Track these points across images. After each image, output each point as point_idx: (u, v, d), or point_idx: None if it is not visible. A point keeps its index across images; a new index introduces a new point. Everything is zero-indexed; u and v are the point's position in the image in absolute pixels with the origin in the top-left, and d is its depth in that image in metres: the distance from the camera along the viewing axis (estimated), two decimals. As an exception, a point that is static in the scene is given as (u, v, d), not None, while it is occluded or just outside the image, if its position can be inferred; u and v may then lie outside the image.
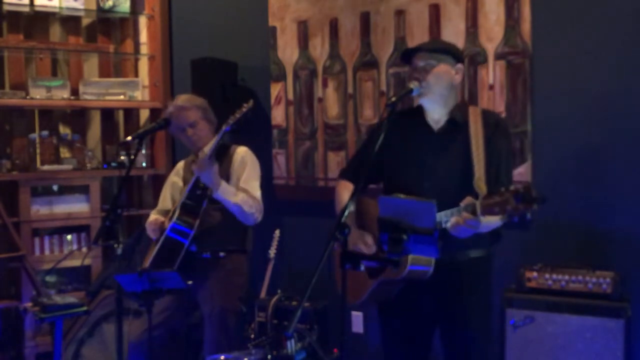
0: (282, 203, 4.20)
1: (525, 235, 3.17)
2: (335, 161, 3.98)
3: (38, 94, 4.30)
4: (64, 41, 4.61)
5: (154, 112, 4.66)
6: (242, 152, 3.41)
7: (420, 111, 2.60)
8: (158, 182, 4.56)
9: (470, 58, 3.43)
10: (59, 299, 3.44)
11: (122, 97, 4.54)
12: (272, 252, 3.86)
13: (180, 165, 3.58)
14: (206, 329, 3.32)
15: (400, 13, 3.73)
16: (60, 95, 4.37)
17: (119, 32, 4.78)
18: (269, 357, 3.18)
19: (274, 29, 4.22)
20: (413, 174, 2.54)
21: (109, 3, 4.57)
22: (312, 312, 3.55)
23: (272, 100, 4.24)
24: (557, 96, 3.28)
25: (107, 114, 4.73)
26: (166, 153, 4.63)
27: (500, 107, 3.40)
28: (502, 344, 3.04)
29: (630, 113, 3.11)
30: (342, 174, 2.83)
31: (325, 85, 4.03)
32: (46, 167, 4.27)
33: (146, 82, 4.70)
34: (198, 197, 3.25)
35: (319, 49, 4.04)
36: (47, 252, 4.26)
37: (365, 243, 2.52)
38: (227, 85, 4.13)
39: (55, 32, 4.61)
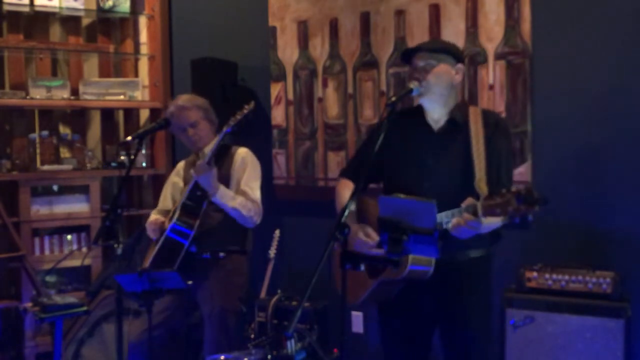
0: (282, 203, 4.20)
1: (525, 235, 3.17)
2: (335, 161, 3.98)
3: (38, 94, 4.30)
4: (64, 41, 4.61)
5: (154, 112, 4.66)
6: (242, 153, 3.41)
7: (420, 111, 2.60)
8: (158, 182, 4.56)
9: (470, 58, 3.43)
10: (59, 299, 3.44)
11: (122, 97, 4.54)
12: (272, 252, 3.86)
13: (181, 165, 3.58)
14: (206, 329, 3.32)
15: (400, 13, 3.73)
16: (60, 95, 4.37)
17: (119, 32, 4.78)
18: (269, 357, 3.18)
19: (274, 29, 4.22)
20: (413, 173, 2.54)
21: (109, 3, 4.57)
22: (312, 312, 3.55)
23: (272, 100, 4.24)
24: (557, 96, 3.28)
25: (107, 114, 4.73)
26: (166, 153, 4.63)
27: (500, 107, 3.40)
28: (502, 344, 3.04)
29: (630, 113, 3.11)
30: (342, 173, 2.83)
31: (325, 85, 4.03)
32: (46, 167, 4.27)
33: (146, 82, 4.70)
34: (198, 198, 3.25)
35: (319, 49, 4.04)
36: (47, 252, 4.26)
37: (366, 234, 2.49)
38: (227, 85, 4.13)
39: (55, 32, 4.61)
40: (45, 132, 4.34)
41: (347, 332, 3.81)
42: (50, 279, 4.28)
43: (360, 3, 3.86)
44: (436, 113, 2.57)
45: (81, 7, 4.48)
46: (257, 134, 4.14)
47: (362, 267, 2.16)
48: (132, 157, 3.25)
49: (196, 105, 3.37)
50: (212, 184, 3.16)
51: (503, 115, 3.34)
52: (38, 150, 4.31)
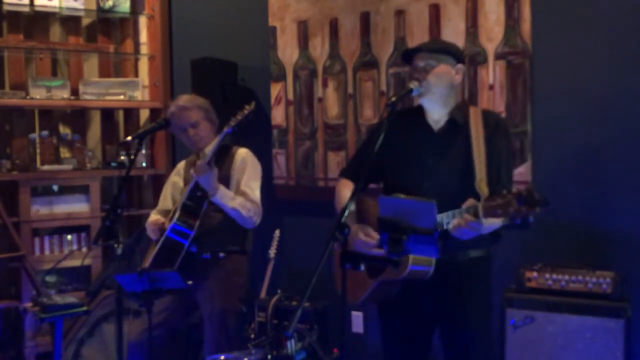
0: (282, 203, 4.20)
1: (525, 235, 3.17)
2: (335, 161, 3.98)
3: (38, 94, 4.30)
4: (64, 41, 4.61)
5: (154, 112, 4.66)
6: (242, 154, 3.41)
7: (420, 111, 2.60)
8: (158, 182, 4.56)
9: (470, 58, 3.43)
10: (59, 299, 3.44)
11: (122, 97, 4.55)
12: (272, 252, 3.86)
13: (182, 165, 3.58)
14: (206, 329, 3.32)
15: (400, 13, 3.73)
16: (60, 95, 4.37)
17: (119, 32, 4.78)
18: (269, 357, 3.18)
19: (274, 29, 4.22)
20: (413, 174, 2.54)
21: (109, 3, 4.57)
22: (312, 312, 3.55)
23: (272, 100, 4.24)
24: (557, 96, 3.28)
25: (107, 114, 4.73)
26: (166, 153, 4.64)
27: (500, 107, 3.40)
28: (502, 344, 3.04)
29: (630, 113, 3.11)
30: (342, 173, 2.83)
31: (325, 85, 4.03)
32: (46, 167, 4.28)
33: (146, 82, 4.70)
34: (198, 198, 3.25)
35: (319, 49, 4.04)
36: (47, 252, 4.26)
37: (367, 234, 2.49)
38: (227, 85, 4.13)
39: (55, 32, 4.61)
40: (45, 132, 4.34)
41: (347, 332, 3.81)
42: (50, 279, 4.28)
43: (360, 3, 3.86)
44: (436, 113, 2.57)
45: (81, 7, 4.49)
46: (257, 134, 4.14)
47: (362, 267, 2.15)
48: (132, 157, 3.25)
49: (197, 106, 3.37)
50: (212, 184, 3.16)
51: (503, 115, 3.34)
52: (38, 150, 4.31)
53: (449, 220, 2.27)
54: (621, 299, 2.90)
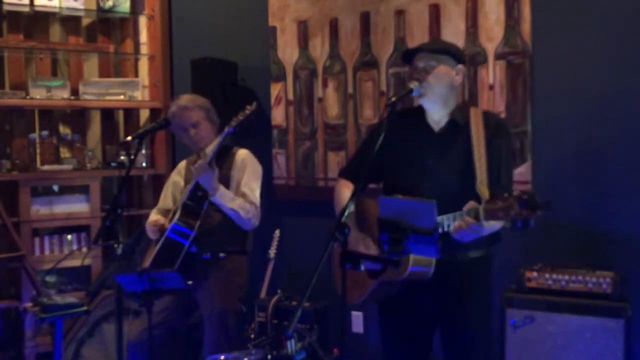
0: (282, 203, 4.20)
1: (525, 235, 3.15)
2: (335, 161, 3.98)
3: (38, 94, 4.30)
4: (64, 41, 4.61)
5: (154, 112, 4.66)
6: (242, 155, 3.41)
7: (420, 111, 2.60)
8: (158, 182, 4.56)
9: (470, 58, 3.43)
10: (59, 299, 3.44)
11: (122, 97, 4.54)
12: (272, 252, 3.86)
13: (182, 164, 3.58)
14: (206, 329, 3.32)
15: (400, 13, 3.73)
16: (60, 95, 4.37)
17: (119, 32, 4.78)
18: (269, 357, 3.18)
19: (274, 29, 4.22)
20: (413, 174, 2.54)
21: (109, 3, 4.57)
22: (312, 312, 3.55)
23: (272, 100, 4.24)
24: (557, 96, 3.28)
25: (107, 114, 4.73)
26: (166, 153, 4.63)
27: (500, 107, 3.40)
28: (502, 344, 3.04)
29: (630, 113, 3.11)
30: (341, 173, 2.83)
31: (325, 85, 4.03)
32: (46, 167, 4.27)
33: (146, 82, 4.70)
34: (199, 198, 3.25)
35: (319, 49, 4.04)
36: (47, 252, 4.26)
37: (366, 247, 2.51)
38: (227, 85, 4.13)
39: (55, 32, 4.61)
40: (45, 132, 4.34)
41: (347, 332, 3.80)
42: (50, 279, 4.28)
43: (360, 3, 3.86)
44: (436, 114, 2.57)
45: (81, 7, 4.48)
46: (257, 134, 4.14)
47: (362, 267, 2.15)
48: (132, 157, 3.25)
49: (198, 106, 3.37)
50: (212, 184, 3.17)
51: (503, 115, 3.35)
52: (38, 150, 4.31)
53: (450, 223, 2.27)
54: (621, 299, 2.90)
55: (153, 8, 4.63)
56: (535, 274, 3.05)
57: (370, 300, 2.64)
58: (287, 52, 4.17)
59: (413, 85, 2.46)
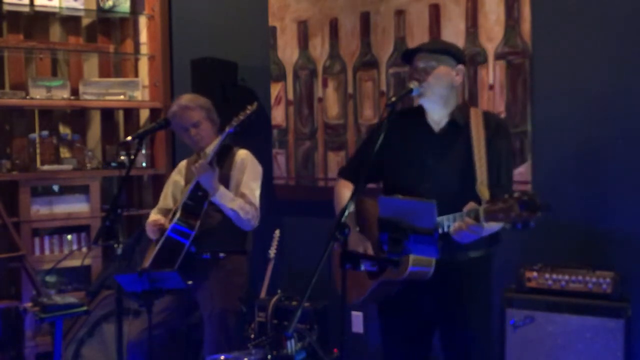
0: (282, 203, 4.20)
1: (525, 235, 3.14)
2: (335, 161, 3.98)
3: (38, 94, 4.30)
4: (64, 41, 4.61)
5: (154, 112, 4.66)
6: (242, 155, 3.41)
7: (421, 111, 2.60)
8: (158, 182, 4.56)
9: (470, 58, 3.43)
10: (59, 299, 3.44)
11: (122, 97, 4.54)
12: (272, 252, 3.86)
13: (183, 164, 3.58)
14: (206, 330, 3.32)
15: (400, 13, 3.73)
16: (60, 95, 4.37)
17: (119, 32, 4.78)
18: (269, 357, 3.18)
19: (274, 29, 4.22)
20: (413, 174, 2.53)
21: (109, 3, 4.57)
22: (312, 312, 3.55)
23: (272, 100, 4.24)
24: (557, 96, 3.28)
25: (107, 114, 4.73)
26: (166, 153, 4.63)
27: (500, 107, 3.40)
28: (502, 344, 3.04)
29: (630, 113, 3.11)
30: (341, 173, 2.82)
31: (325, 85, 4.03)
32: (46, 167, 4.27)
33: (146, 82, 4.70)
34: (199, 198, 3.25)
35: (319, 49, 4.04)
36: (47, 252, 4.26)
37: (365, 250, 2.52)
38: (227, 85, 4.13)
39: (55, 32, 4.61)
40: (45, 132, 4.34)
41: (347, 332, 3.80)
42: (50, 279, 4.28)
43: (360, 3, 3.86)
44: (436, 114, 2.57)
45: (81, 7, 4.48)
46: (257, 134, 4.14)
47: (362, 267, 2.15)
48: (132, 157, 3.25)
49: (199, 105, 3.37)
50: (212, 184, 3.17)
51: (503, 115, 3.35)
52: (38, 150, 4.31)
53: (450, 223, 2.27)
54: (621, 299, 2.90)
55: (153, 8, 4.63)
56: (535, 274, 3.05)
57: (370, 300, 2.64)
58: (287, 52, 4.17)
59: (413, 85, 2.46)
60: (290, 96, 4.17)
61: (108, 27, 4.74)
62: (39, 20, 4.48)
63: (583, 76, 3.21)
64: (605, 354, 2.85)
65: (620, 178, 3.13)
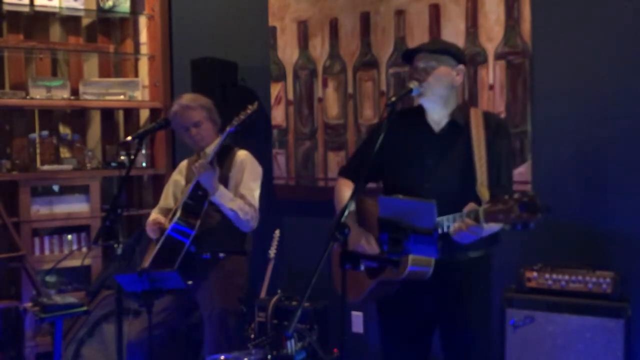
0: (282, 203, 4.20)
1: (525, 235, 3.14)
2: (335, 161, 3.98)
3: (38, 94, 4.30)
4: (64, 41, 4.61)
5: (154, 112, 4.67)
6: (242, 156, 3.41)
7: (420, 111, 2.60)
8: (158, 182, 4.56)
9: (470, 58, 3.43)
10: (59, 299, 3.44)
11: (122, 97, 4.55)
12: (272, 252, 3.86)
13: (184, 164, 3.58)
14: (206, 330, 3.32)
15: (400, 13, 3.73)
16: (60, 95, 4.37)
17: (119, 32, 4.78)
18: (269, 357, 3.18)
19: (274, 29, 4.22)
20: (413, 174, 2.53)
21: (109, 3, 4.57)
22: (312, 312, 3.55)
23: (272, 100, 4.24)
24: (557, 96, 3.28)
25: (107, 114, 4.73)
26: (166, 153, 4.64)
27: (500, 107, 3.40)
28: (502, 344, 3.04)
29: (630, 113, 3.11)
30: (341, 172, 2.82)
31: (325, 85, 4.03)
32: (46, 167, 4.27)
33: (146, 82, 4.70)
34: (199, 197, 3.25)
35: (319, 49, 4.04)
36: (47, 252, 4.26)
37: (368, 242, 2.51)
38: (227, 85, 4.13)
39: (55, 32, 4.61)
40: (45, 132, 4.34)
41: (347, 332, 3.80)
42: (50, 279, 4.28)
43: (360, 3, 3.86)
44: (436, 114, 2.56)
45: (81, 7, 4.49)
46: (257, 134, 4.14)
47: (362, 267, 2.15)
48: (132, 157, 3.25)
49: (200, 105, 3.37)
50: (212, 184, 3.17)
51: (503, 115, 3.35)
52: (38, 150, 4.31)
53: (450, 224, 2.27)
54: (621, 299, 2.90)
55: (153, 8, 4.64)
56: (535, 274, 3.05)
57: (370, 299, 2.64)
58: (287, 52, 4.17)
59: (413, 85, 2.46)
60: (290, 96, 4.17)
61: (108, 27, 4.74)
62: (39, 20, 4.49)
63: (583, 76, 3.21)
64: (605, 354, 2.85)
65: (620, 178, 3.13)
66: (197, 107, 3.36)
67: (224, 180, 3.31)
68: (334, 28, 3.98)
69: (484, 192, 2.33)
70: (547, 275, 3.03)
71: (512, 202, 2.04)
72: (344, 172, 2.80)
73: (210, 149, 3.28)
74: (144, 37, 4.73)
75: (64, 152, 4.40)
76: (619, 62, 3.13)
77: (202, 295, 3.32)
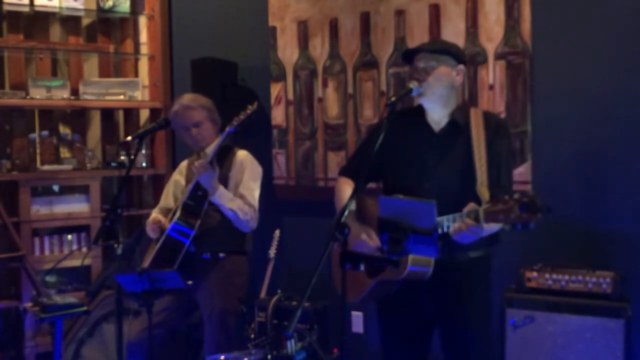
0: (282, 203, 4.20)
1: (525, 235, 3.14)
2: (335, 161, 3.98)
3: (38, 94, 4.30)
4: (64, 41, 4.61)
5: (154, 112, 4.67)
6: (241, 156, 3.41)
7: (420, 111, 2.60)
8: (158, 182, 4.57)
9: (470, 58, 3.43)
10: (59, 299, 3.44)
11: (122, 97, 4.55)
12: (272, 252, 3.86)
13: (184, 164, 3.58)
14: (206, 330, 3.32)
15: (400, 13, 3.73)
16: (60, 95, 4.37)
17: (119, 32, 4.78)
18: (269, 357, 3.18)
19: (274, 29, 4.22)
20: (413, 174, 2.53)
21: (109, 3, 4.57)
22: (312, 312, 3.55)
23: (272, 100, 4.24)
24: (557, 96, 3.28)
25: (107, 114, 4.73)
26: (166, 153, 4.64)
27: (500, 107, 3.40)
28: (502, 344, 3.04)
29: (630, 113, 3.11)
30: (341, 172, 2.82)
31: (325, 85, 4.03)
32: (46, 167, 4.28)
33: (146, 82, 4.70)
34: (199, 197, 3.25)
35: (319, 49, 4.04)
36: (47, 252, 4.26)
37: (369, 236, 2.49)
38: (227, 85, 4.13)
39: (55, 32, 4.61)
40: (45, 132, 4.34)
41: (347, 332, 3.80)
42: (50, 279, 4.28)
43: (360, 3, 3.86)
44: (436, 114, 2.56)
45: (81, 7, 4.49)
46: (257, 134, 4.14)
47: (362, 268, 2.15)
48: (132, 157, 3.25)
49: (201, 105, 3.37)
50: (212, 184, 3.17)
51: (503, 115, 3.35)
52: (38, 150, 4.31)
53: (450, 224, 2.27)
54: (621, 299, 2.90)
55: (153, 8, 4.64)
56: (535, 274, 3.05)
57: (369, 298, 2.64)
58: (287, 52, 4.17)
59: (413, 84, 2.46)
60: (290, 96, 4.17)
61: (108, 27, 4.74)
62: (39, 20, 4.49)
63: (583, 76, 3.21)
64: (605, 354, 2.85)
65: (620, 178, 3.13)
66: (198, 107, 3.36)
67: (224, 180, 3.31)
68: (334, 28, 3.98)
69: (484, 192, 2.32)
70: (547, 275, 3.03)
71: (513, 203, 2.04)
72: (344, 172, 2.80)
73: (210, 149, 3.29)
74: (144, 37, 4.73)
75: (64, 152, 4.40)
76: (619, 62, 3.13)
77: (202, 295, 3.32)
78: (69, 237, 4.33)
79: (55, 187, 4.38)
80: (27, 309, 3.69)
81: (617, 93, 3.13)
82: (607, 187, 3.17)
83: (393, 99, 2.36)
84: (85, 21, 4.70)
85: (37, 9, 4.34)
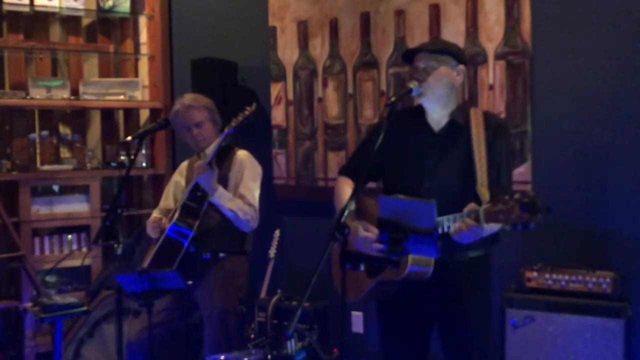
0: (282, 203, 4.20)
1: (525, 235, 3.15)
2: (335, 161, 3.98)
3: (38, 94, 4.30)
4: (64, 41, 4.61)
5: (154, 112, 4.66)
6: (241, 156, 3.41)
7: (420, 111, 2.60)
8: (158, 182, 4.57)
9: (470, 58, 3.43)
10: (59, 299, 3.44)
11: (122, 97, 4.55)
12: (272, 252, 3.86)
13: (184, 165, 3.59)
14: (206, 330, 3.32)
15: (400, 13, 3.73)
16: (60, 95, 4.37)
17: (119, 32, 4.78)
18: (269, 357, 3.18)
19: (274, 29, 4.22)
20: (413, 174, 2.53)
21: (109, 3, 4.57)
22: (312, 312, 3.55)
23: (272, 100, 4.24)
24: (557, 96, 3.28)
25: (107, 114, 4.73)
26: (166, 153, 4.64)
27: (500, 107, 3.40)
28: (502, 344, 3.04)
29: (630, 113, 3.11)
30: (341, 172, 2.82)
31: (325, 85, 4.03)
32: (46, 167, 4.28)
33: (146, 82, 4.71)
34: (198, 198, 3.25)
35: (319, 49, 4.04)
36: (47, 252, 4.26)
37: (366, 229, 2.47)
38: (227, 85, 4.13)
39: (55, 32, 4.61)
40: (45, 132, 4.34)
41: (347, 332, 3.81)
42: (50, 279, 4.28)
43: (360, 3, 3.86)
44: (436, 114, 2.56)
45: (81, 7, 4.49)
46: (257, 134, 4.14)
47: (362, 268, 2.15)
48: (132, 157, 3.25)
49: (202, 105, 3.37)
50: (211, 185, 3.17)
51: (503, 115, 3.35)
52: (38, 150, 4.32)
53: (450, 224, 2.26)
54: (621, 299, 2.91)
55: (153, 8, 4.64)
56: (535, 274, 3.05)
57: (369, 299, 2.64)
58: (287, 52, 4.17)
59: (412, 85, 2.46)
60: (290, 96, 4.17)
61: (108, 27, 4.74)
62: (39, 20, 4.49)
63: (583, 76, 3.21)
64: (605, 354, 2.85)
65: (620, 178, 3.13)
66: (199, 107, 3.36)
67: (224, 181, 3.31)
68: (334, 28, 3.98)
69: (484, 192, 2.32)
70: (547, 275, 3.03)
71: (513, 203, 2.04)
72: (344, 172, 2.79)
73: (210, 150, 3.29)
74: (144, 37, 4.73)
75: (64, 152, 4.40)
76: (618, 62, 3.13)
77: (202, 295, 3.32)
78: (69, 237, 4.33)
79: (55, 187, 4.38)
80: (27, 309, 3.69)
81: (617, 93, 3.13)
82: (607, 187, 3.17)
83: (393, 99, 2.36)
84: (85, 21, 4.70)
85: (37, 9, 4.34)
